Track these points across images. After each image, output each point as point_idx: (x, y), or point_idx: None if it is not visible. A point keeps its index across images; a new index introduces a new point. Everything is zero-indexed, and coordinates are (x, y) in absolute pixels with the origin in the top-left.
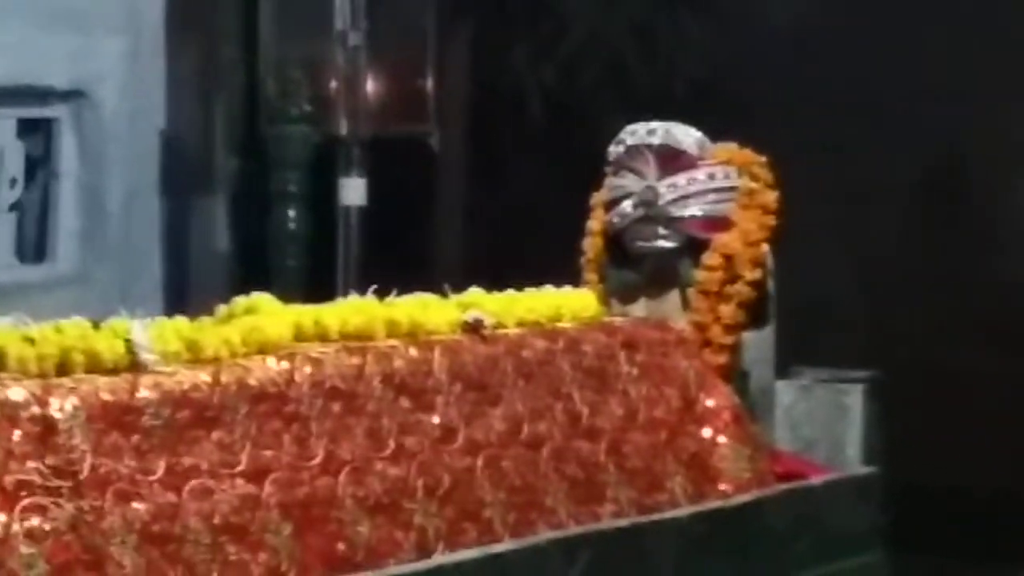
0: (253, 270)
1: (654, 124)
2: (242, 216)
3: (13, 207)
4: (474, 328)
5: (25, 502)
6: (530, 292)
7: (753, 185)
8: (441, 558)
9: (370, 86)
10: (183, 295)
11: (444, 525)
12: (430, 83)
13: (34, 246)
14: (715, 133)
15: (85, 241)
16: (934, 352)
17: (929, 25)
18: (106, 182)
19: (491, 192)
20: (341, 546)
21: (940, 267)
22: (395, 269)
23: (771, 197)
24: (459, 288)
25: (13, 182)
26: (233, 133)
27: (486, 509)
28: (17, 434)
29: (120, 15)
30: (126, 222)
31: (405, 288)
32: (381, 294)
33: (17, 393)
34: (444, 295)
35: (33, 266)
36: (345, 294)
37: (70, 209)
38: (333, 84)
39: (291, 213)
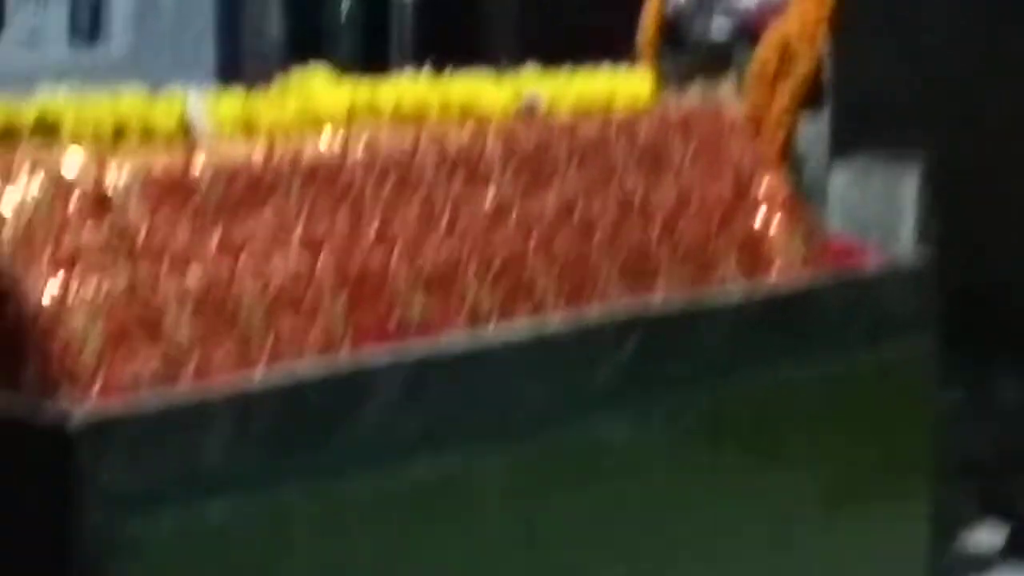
0: (305, 58)
1: None
2: (296, 6)
3: None
4: (528, 109)
5: (80, 269)
6: (585, 73)
7: None
8: (492, 335)
9: None
10: (237, 78)
11: (496, 302)
12: None
13: (88, 29)
14: None
15: (139, 23)
16: (988, 143)
17: None
18: None
19: None
20: (394, 320)
21: (997, 58)
22: (449, 56)
23: None
24: (514, 67)
25: None
26: None
27: (538, 288)
28: (72, 203)
29: None
30: (180, 5)
31: (458, 68)
32: (436, 71)
33: (72, 163)
34: (500, 75)
35: (87, 48)
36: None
37: None
38: None
39: (343, 1)
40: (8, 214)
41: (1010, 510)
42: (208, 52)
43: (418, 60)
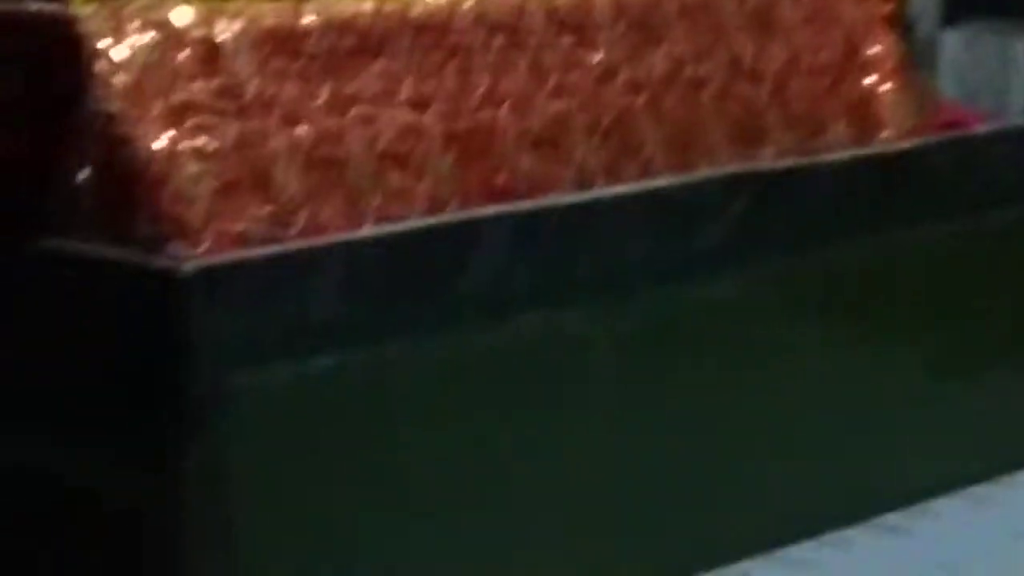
0: None
1: None
2: None
3: None
4: None
5: (191, 122)
6: None
7: None
8: (600, 191)
9: None
10: None
11: (604, 161)
12: None
13: None
14: None
15: None
16: None
17: None
18: None
19: None
20: (502, 177)
21: None
22: None
23: None
24: None
25: None
26: None
27: (646, 147)
28: (183, 55)
29: None
30: None
31: None
32: None
33: (182, 15)
34: None
35: None
36: None
37: None
38: None
39: None
40: (120, 67)
41: None
42: None
43: None
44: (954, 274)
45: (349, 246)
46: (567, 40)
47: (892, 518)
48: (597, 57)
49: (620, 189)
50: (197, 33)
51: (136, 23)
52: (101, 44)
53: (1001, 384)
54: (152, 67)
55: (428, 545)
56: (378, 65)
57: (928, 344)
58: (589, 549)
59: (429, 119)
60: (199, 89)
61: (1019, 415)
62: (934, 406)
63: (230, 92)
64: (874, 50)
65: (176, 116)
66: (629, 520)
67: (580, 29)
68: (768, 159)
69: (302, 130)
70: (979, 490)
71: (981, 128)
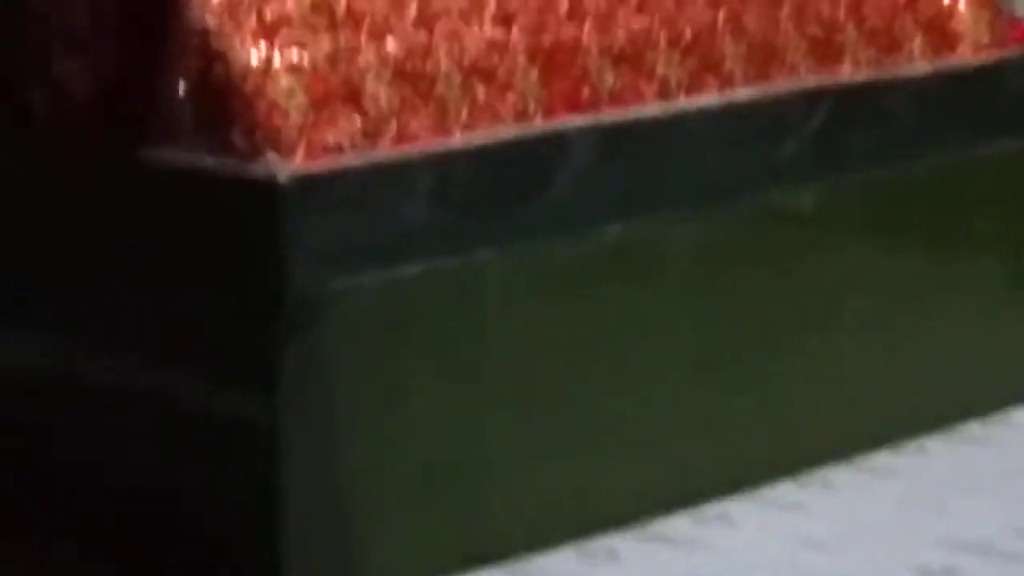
0: None
1: None
2: None
3: None
4: None
5: (284, 36)
6: None
7: None
8: (683, 104)
9: None
10: None
11: (686, 76)
12: None
13: None
14: None
15: None
16: None
17: None
18: None
19: None
20: (586, 91)
21: None
22: None
23: None
24: None
25: None
26: None
27: (727, 62)
28: None
29: None
30: None
31: None
32: None
33: None
34: None
35: None
36: None
37: None
38: None
39: None
40: None
41: None
42: None
43: None
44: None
45: (438, 157)
46: None
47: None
48: None
49: (701, 103)
50: None
51: None
52: None
53: None
54: None
55: (509, 438)
56: None
57: (1003, 258)
58: (663, 446)
59: (514, 35)
60: (292, 5)
61: None
62: (1013, 316)
63: (322, 8)
64: None
65: (270, 31)
66: (700, 419)
67: None
68: (846, 74)
69: (391, 45)
70: None
71: None
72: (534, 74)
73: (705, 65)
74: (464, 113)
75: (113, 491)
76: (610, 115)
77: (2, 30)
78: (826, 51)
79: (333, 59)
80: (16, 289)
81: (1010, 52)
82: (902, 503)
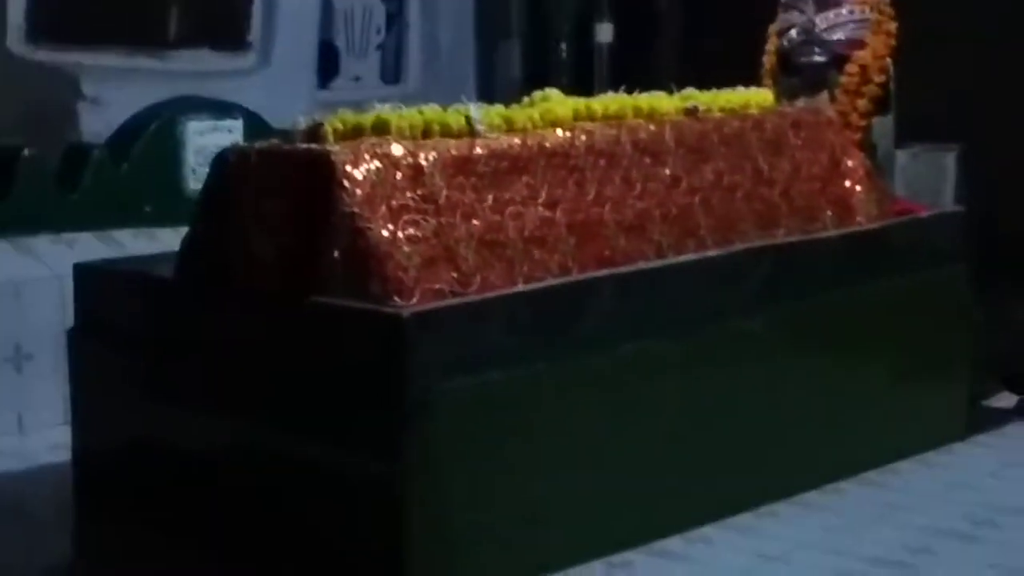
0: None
1: None
2: (530, 53)
3: (379, 47)
4: (692, 112)
5: (404, 219)
6: (727, 91)
7: (880, 17)
8: (672, 260)
9: None
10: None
11: (673, 241)
12: None
13: (392, 73)
14: None
15: (425, 69)
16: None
17: None
18: (439, 31)
19: (700, 27)
20: (606, 252)
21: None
22: (634, 83)
23: (893, 26)
24: (680, 88)
25: (379, 30)
26: None
27: (700, 231)
28: (398, 175)
29: None
30: (452, 57)
31: (643, 90)
32: (629, 92)
33: (397, 149)
34: (670, 92)
35: (392, 86)
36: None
37: (415, 49)
38: None
39: (563, 48)
40: (358, 183)
41: (1019, 385)
42: (471, 86)
43: (614, 86)
44: (910, 315)
45: (508, 299)
46: (647, 160)
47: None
48: (667, 171)
49: (684, 259)
50: (407, 160)
51: (368, 154)
52: (346, 168)
53: (939, 390)
54: (379, 183)
55: (562, 490)
56: (524, 179)
57: (892, 365)
58: (662, 490)
59: (558, 214)
60: (409, 197)
61: (954, 408)
62: (896, 407)
63: (429, 199)
64: (849, 163)
65: (395, 215)
66: (686, 472)
67: (655, 153)
68: (781, 238)
69: (476, 223)
70: None
71: (924, 214)
72: (572, 241)
73: (686, 233)
74: (525, 268)
75: (272, 538)
76: (623, 269)
77: (213, 219)
78: (767, 223)
79: (437, 233)
80: (216, 387)
81: (892, 220)
82: (827, 529)
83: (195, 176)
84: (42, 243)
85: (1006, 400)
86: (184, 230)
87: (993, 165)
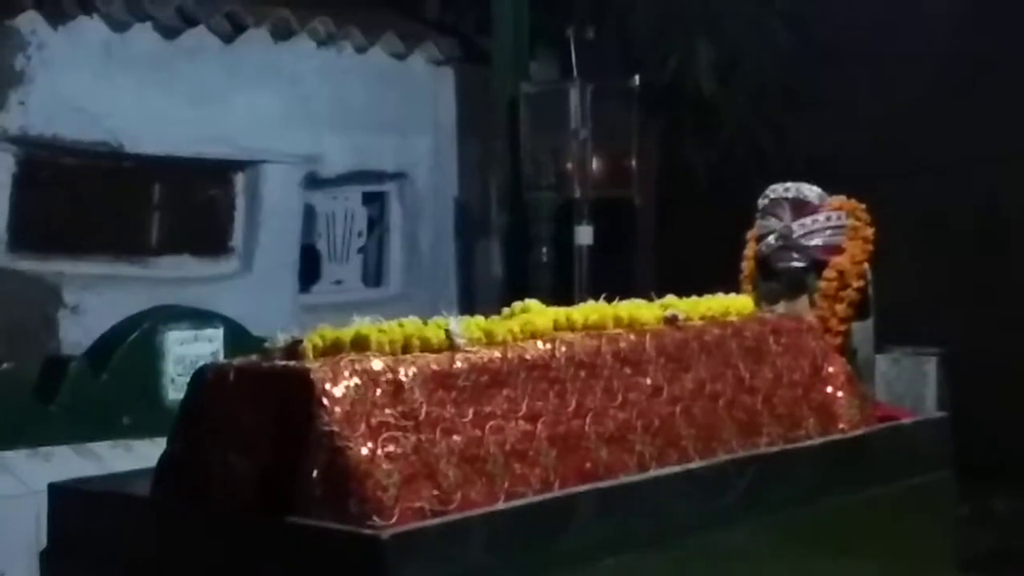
0: (518, 290)
1: (788, 184)
2: (510, 253)
3: (360, 250)
4: (671, 321)
5: (384, 436)
6: (706, 298)
7: (857, 223)
8: (654, 472)
9: (594, 165)
10: (472, 306)
11: (655, 451)
12: (633, 163)
13: (374, 275)
14: (829, 190)
15: (407, 271)
16: (980, 339)
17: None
18: (420, 232)
19: (674, 233)
20: (588, 465)
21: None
22: (614, 285)
23: (870, 232)
24: (659, 295)
25: (360, 233)
26: (503, 198)
27: (683, 441)
28: (378, 392)
29: (427, 123)
30: (433, 258)
31: (623, 296)
32: (608, 300)
33: (377, 364)
34: (650, 300)
35: (374, 289)
36: (583, 301)
37: (397, 250)
38: (569, 164)
39: (543, 250)
40: (337, 400)
41: None
42: (452, 287)
43: (594, 286)
44: (893, 519)
45: (489, 517)
46: (628, 370)
47: None
48: (648, 381)
49: (666, 471)
50: (387, 376)
51: (347, 371)
52: (325, 386)
53: None
54: (358, 400)
55: None
56: (504, 392)
57: (877, 567)
58: None
59: (539, 427)
60: (389, 413)
61: None
62: None
63: (409, 415)
64: (831, 369)
65: (375, 432)
66: None
67: (636, 363)
68: (763, 446)
69: (456, 438)
70: None
71: (906, 420)
72: (553, 454)
73: (668, 443)
74: (507, 483)
75: None
76: (605, 482)
77: (190, 437)
78: (749, 431)
79: (417, 450)
80: None
81: (875, 427)
82: None
83: (174, 386)
84: (18, 458)
85: None
86: (162, 441)
87: (973, 369)
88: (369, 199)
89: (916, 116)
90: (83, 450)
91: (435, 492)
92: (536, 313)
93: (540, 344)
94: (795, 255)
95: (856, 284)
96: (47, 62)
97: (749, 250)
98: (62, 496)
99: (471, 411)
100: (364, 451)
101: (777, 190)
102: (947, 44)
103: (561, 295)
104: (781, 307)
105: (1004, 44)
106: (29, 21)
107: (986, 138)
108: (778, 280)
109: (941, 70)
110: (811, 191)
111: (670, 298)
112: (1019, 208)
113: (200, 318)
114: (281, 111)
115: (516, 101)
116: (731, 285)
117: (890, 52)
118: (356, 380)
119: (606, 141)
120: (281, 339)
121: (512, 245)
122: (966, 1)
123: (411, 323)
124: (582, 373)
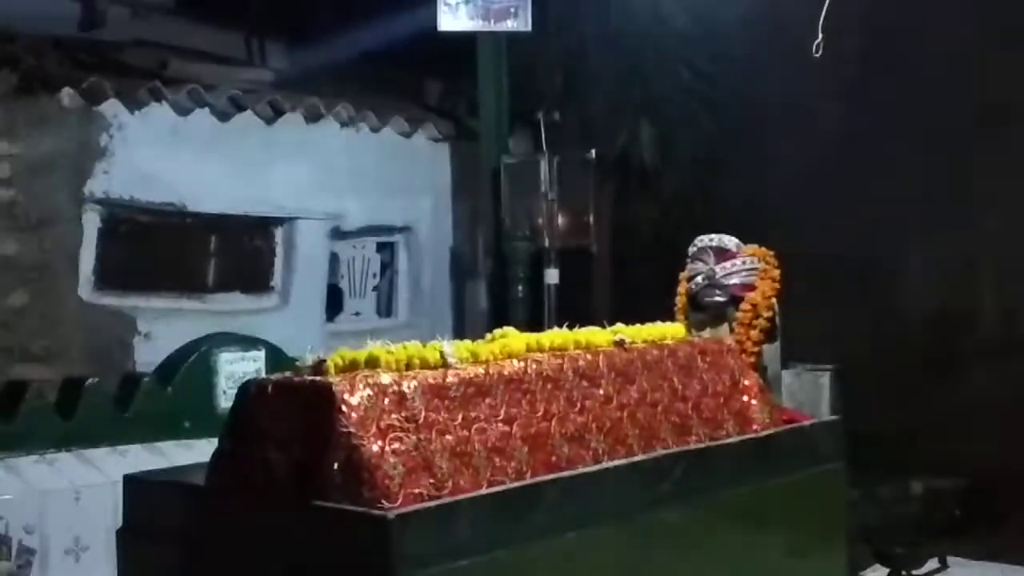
0: (500, 319)
1: (712, 235)
2: (493, 291)
3: (374, 288)
4: (620, 344)
5: (391, 436)
6: (648, 325)
7: (767, 267)
8: (606, 464)
9: (559, 220)
10: (464, 331)
11: (607, 448)
12: (591, 218)
13: (386, 308)
14: (746, 239)
15: (412, 305)
16: (863, 359)
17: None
18: (422, 274)
19: (624, 276)
20: (554, 459)
21: (864, 305)
22: (575, 316)
23: (777, 273)
24: (611, 324)
25: (375, 275)
26: (488, 247)
27: (629, 439)
28: (386, 400)
29: (428, 187)
30: (433, 295)
31: (582, 324)
32: (570, 327)
33: (385, 378)
34: (603, 327)
35: (386, 319)
36: (551, 328)
37: (404, 289)
38: (540, 219)
39: (519, 288)
40: (353, 407)
41: (888, 558)
42: (448, 318)
43: (560, 319)
44: (796, 503)
45: (475, 501)
46: (585, 383)
47: None
48: (601, 391)
49: (616, 463)
50: (393, 388)
51: (361, 384)
52: (344, 396)
53: (821, 564)
54: (370, 407)
55: None
56: (487, 400)
57: (781, 543)
58: None
59: (514, 428)
60: (395, 418)
61: None
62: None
63: (411, 419)
64: (746, 382)
65: (383, 433)
66: None
67: (592, 377)
68: (693, 444)
69: (448, 438)
70: None
71: (806, 423)
72: (525, 450)
73: (617, 441)
74: (489, 474)
75: None
76: (567, 473)
77: (237, 437)
78: (682, 431)
79: (417, 447)
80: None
81: (781, 428)
82: None
83: (226, 397)
84: (100, 454)
85: (879, 572)
86: (215, 441)
87: (858, 382)
88: (382, 247)
89: (808, 183)
90: (152, 448)
91: (431, 481)
92: (513, 338)
93: (516, 362)
94: (718, 292)
95: (766, 315)
96: (126, 140)
97: (681, 288)
98: (135, 485)
99: (460, 416)
100: (375, 448)
101: (703, 240)
102: (834, 122)
103: (533, 324)
104: (707, 333)
105: (880, 122)
106: (111, 107)
107: (863, 203)
108: (704, 312)
109: (824, 146)
110: (730, 241)
111: (619, 326)
112: (890, 260)
113: (246, 342)
114: (312, 178)
115: (499, 170)
116: (668, 315)
117: (789, 129)
118: (368, 391)
119: (569, 201)
120: (309, 359)
121: (495, 284)
122: (854, 83)
123: (413, 346)
124: (549, 385)
